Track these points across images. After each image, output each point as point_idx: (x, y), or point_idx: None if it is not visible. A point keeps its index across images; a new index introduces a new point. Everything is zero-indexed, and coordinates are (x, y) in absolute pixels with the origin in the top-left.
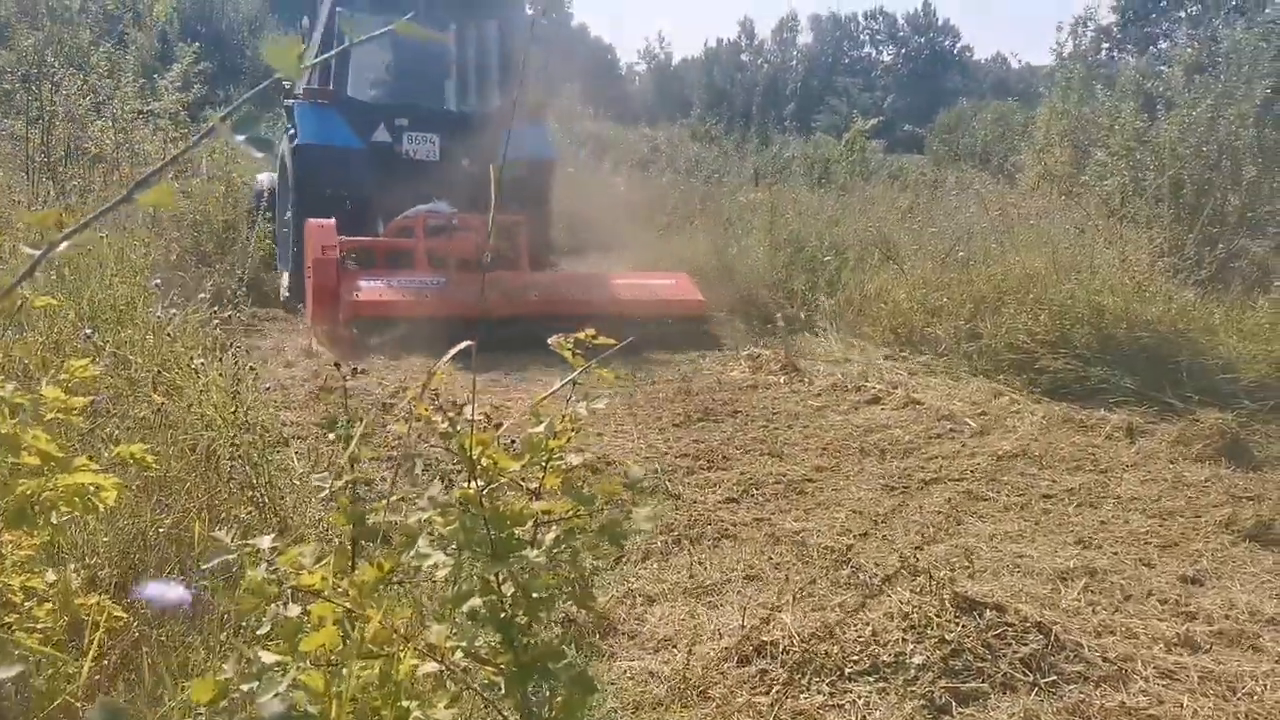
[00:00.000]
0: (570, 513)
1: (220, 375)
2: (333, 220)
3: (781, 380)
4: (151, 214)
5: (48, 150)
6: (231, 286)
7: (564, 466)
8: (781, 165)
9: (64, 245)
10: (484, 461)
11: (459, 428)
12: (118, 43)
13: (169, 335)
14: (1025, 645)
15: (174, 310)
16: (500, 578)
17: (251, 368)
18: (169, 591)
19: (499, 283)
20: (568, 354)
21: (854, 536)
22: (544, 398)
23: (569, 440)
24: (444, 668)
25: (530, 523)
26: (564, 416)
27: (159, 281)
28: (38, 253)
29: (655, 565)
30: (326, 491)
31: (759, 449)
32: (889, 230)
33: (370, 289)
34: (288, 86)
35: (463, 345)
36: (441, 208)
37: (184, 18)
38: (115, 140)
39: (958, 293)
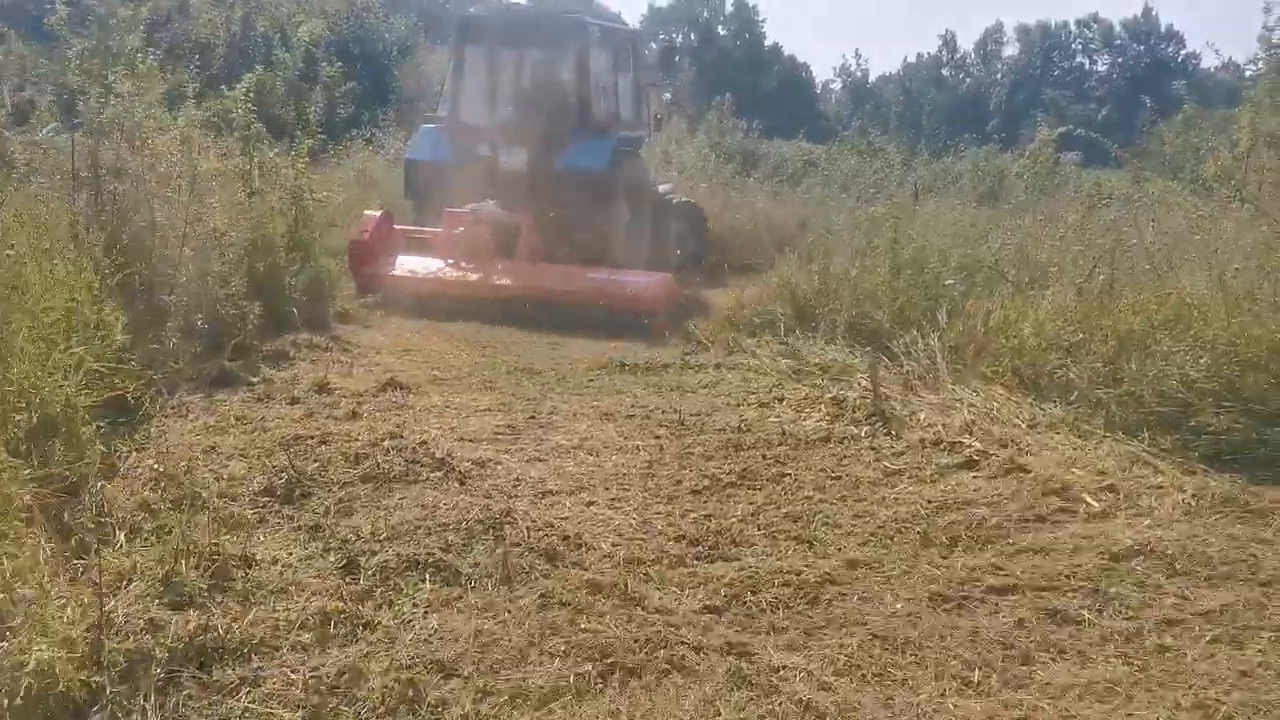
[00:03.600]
0: None
1: None
2: (379, 213)
3: (862, 432)
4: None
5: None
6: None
7: None
8: (951, 179)
9: None
10: None
11: None
12: (267, 65)
13: None
14: None
15: None
16: None
17: None
18: None
19: (487, 270)
20: None
21: (855, 681)
22: None
23: None
24: None
25: None
26: None
27: None
28: None
29: (560, 712)
30: None
31: (788, 531)
32: (1034, 250)
33: (402, 265)
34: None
35: None
36: (487, 206)
37: (341, 38)
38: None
39: (1097, 327)
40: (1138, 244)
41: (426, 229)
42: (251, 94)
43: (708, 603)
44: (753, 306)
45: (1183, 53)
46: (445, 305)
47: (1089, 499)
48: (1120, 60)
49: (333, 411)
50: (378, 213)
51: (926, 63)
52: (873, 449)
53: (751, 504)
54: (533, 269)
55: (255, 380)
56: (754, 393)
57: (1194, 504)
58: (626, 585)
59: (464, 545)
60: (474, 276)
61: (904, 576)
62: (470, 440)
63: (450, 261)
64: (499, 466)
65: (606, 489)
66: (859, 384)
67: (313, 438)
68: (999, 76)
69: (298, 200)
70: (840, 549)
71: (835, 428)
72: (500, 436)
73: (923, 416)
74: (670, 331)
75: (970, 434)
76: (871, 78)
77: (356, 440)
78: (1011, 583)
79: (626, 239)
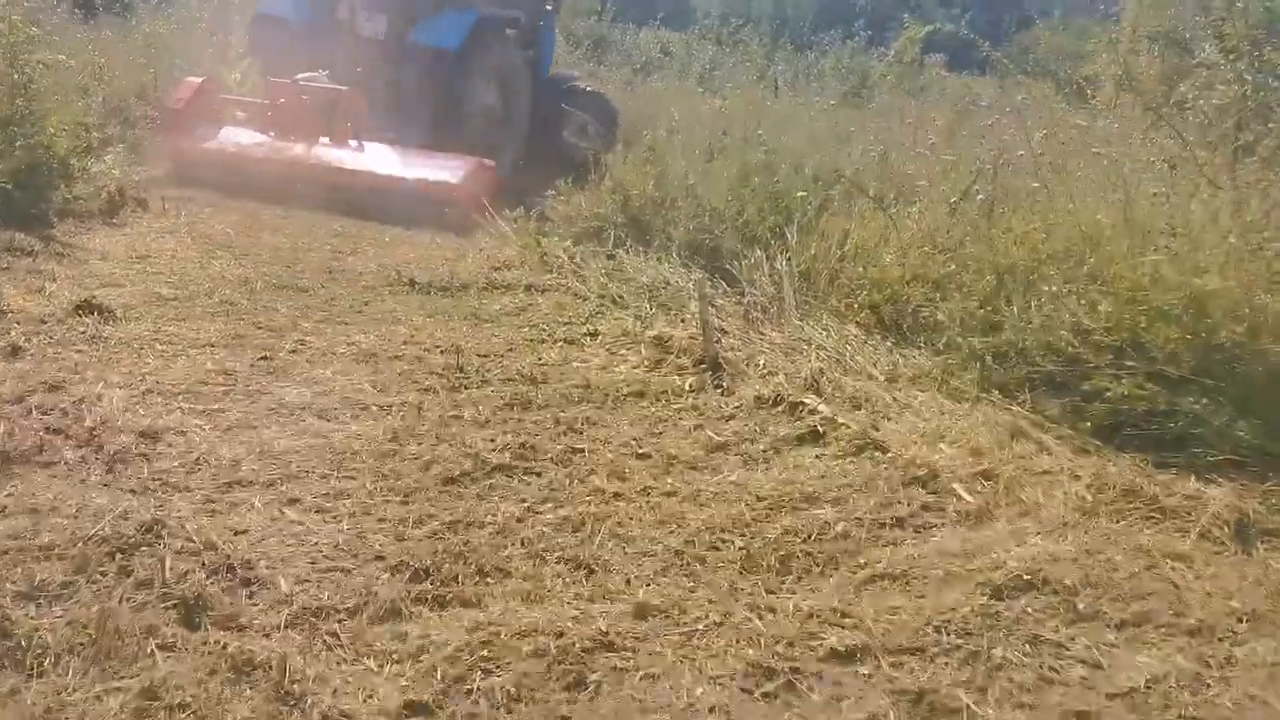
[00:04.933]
0: None
1: None
2: (201, 79)
3: (687, 384)
4: None
5: None
6: None
7: None
8: (813, 76)
9: None
10: None
11: None
12: None
13: None
14: None
15: None
16: None
17: None
18: None
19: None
20: None
21: None
22: None
23: None
24: None
25: None
26: None
27: None
28: None
29: None
30: None
31: (562, 551)
32: (899, 160)
33: (223, 139)
34: None
35: None
36: (319, 77)
37: None
38: None
39: (973, 257)
40: (1024, 155)
41: (249, 98)
42: None
43: (412, 695)
44: (582, 212)
45: None
46: (252, 186)
47: (960, 491)
48: None
49: None
50: (199, 79)
51: None
52: (695, 409)
53: (521, 502)
54: (332, 149)
55: None
56: (565, 324)
57: (1090, 499)
58: (288, 666)
59: (61, 588)
60: (277, 153)
61: (712, 634)
62: (161, 395)
63: (270, 136)
64: (179, 440)
65: (324, 477)
66: (690, 315)
67: None
68: None
69: (14, 63)
70: (629, 582)
71: (653, 378)
72: (204, 389)
73: (762, 362)
74: (476, 228)
75: (817, 389)
76: None
77: None
78: (861, 642)
79: (490, 125)
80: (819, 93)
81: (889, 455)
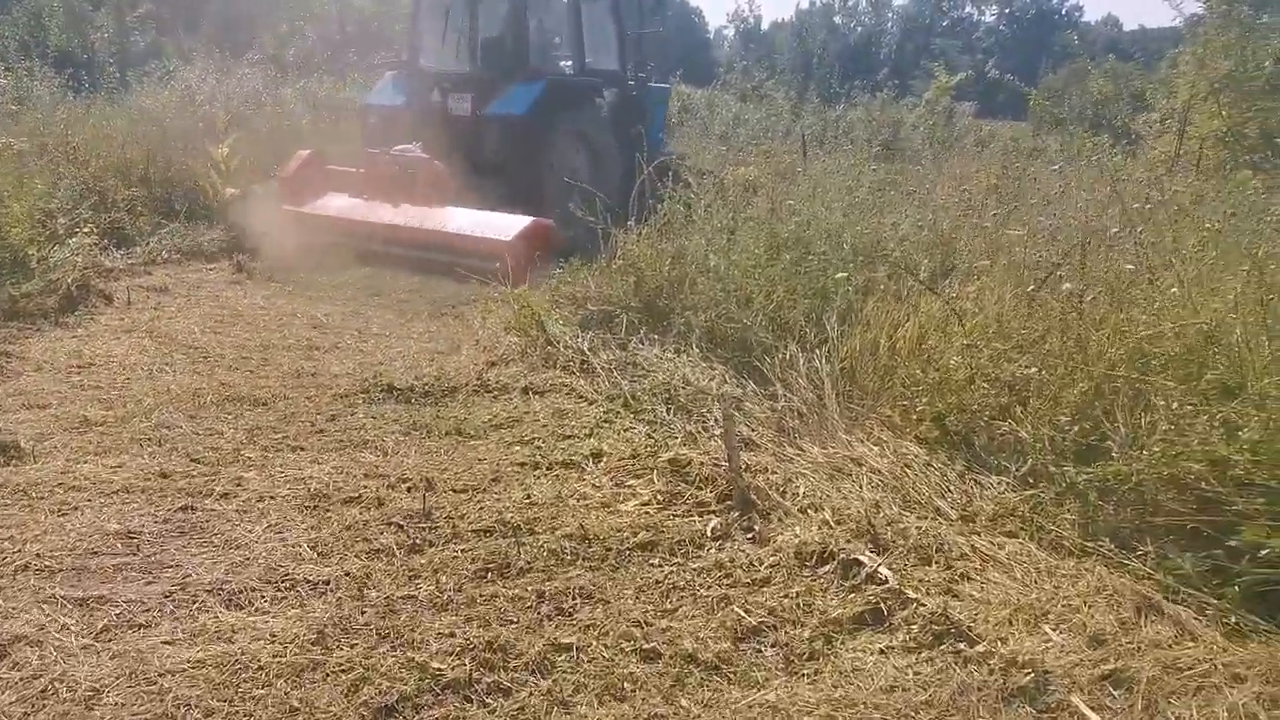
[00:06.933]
0: None
1: None
2: (309, 151)
3: (710, 529)
4: None
5: None
6: None
7: None
8: (842, 130)
9: None
10: None
11: None
12: None
13: None
14: None
15: None
16: None
17: None
18: None
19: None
20: None
21: None
22: None
23: None
24: None
25: None
26: None
27: None
28: None
29: None
30: None
31: None
32: (951, 229)
33: (320, 204)
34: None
35: None
36: (411, 149)
37: None
38: None
39: (1059, 360)
40: (1119, 221)
41: (344, 167)
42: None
43: None
44: (590, 294)
45: (1067, 4)
46: (347, 244)
47: (1083, 708)
48: (1008, 10)
49: None
50: (306, 151)
51: (819, 10)
52: (720, 568)
53: None
54: (399, 210)
55: None
56: (564, 439)
57: (1264, 717)
58: None
59: None
60: (361, 216)
61: None
62: (36, 575)
63: (362, 200)
64: (30, 656)
65: (207, 717)
66: (712, 422)
67: None
68: (889, 25)
69: None
70: None
71: (667, 519)
72: (93, 563)
73: (801, 491)
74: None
75: (874, 535)
76: (765, 25)
77: None
78: None
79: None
80: (849, 147)
81: (978, 649)
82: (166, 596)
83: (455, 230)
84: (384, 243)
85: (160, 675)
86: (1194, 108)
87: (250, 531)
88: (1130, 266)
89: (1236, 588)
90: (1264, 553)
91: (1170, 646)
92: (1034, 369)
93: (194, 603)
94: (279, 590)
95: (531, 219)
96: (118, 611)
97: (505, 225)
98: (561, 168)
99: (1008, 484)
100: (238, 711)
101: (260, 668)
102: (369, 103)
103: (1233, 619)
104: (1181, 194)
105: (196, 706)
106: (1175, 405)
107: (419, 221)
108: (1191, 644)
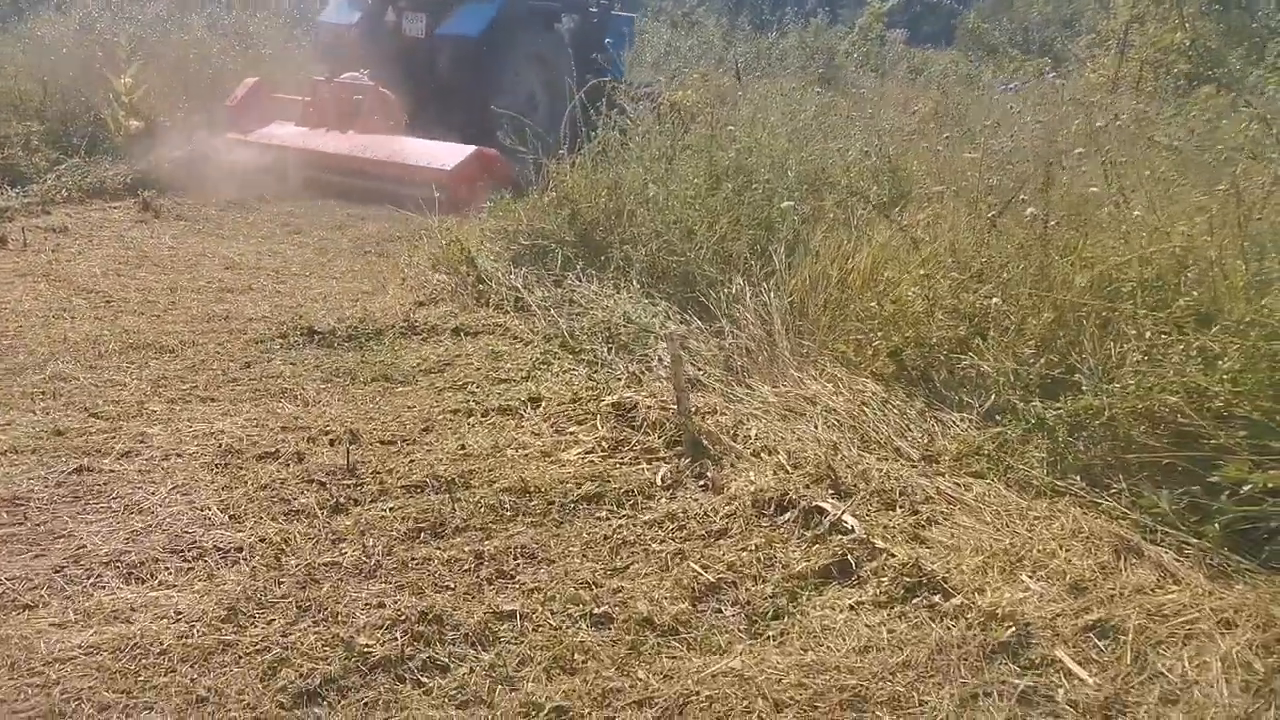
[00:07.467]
0: None
1: None
2: (255, 79)
3: (660, 477)
4: None
5: None
6: None
7: None
8: (775, 57)
9: None
10: None
11: None
12: None
13: None
14: None
15: None
16: None
17: None
18: None
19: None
20: None
21: None
22: None
23: None
24: None
25: None
26: None
27: None
28: None
29: None
30: None
31: None
32: (897, 154)
33: (265, 133)
34: None
35: None
36: (358, 76)
37: None
38: None
39: (1021, 288)
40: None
41: (292, 95)
42: None
43: None
44: (523, 227)
45: None
46: (286, 174)
47: (1070, 663)
48: None
49: None
50: (253, 80)
51: None
52: (673, 519)
53: None
54: (340, 138)
55: None
56: (499, 383)
57: (1261, 667)
58: None
59: None
60: (299, 144)
61: None
62: None
63: (306, 129)
64: None
65: (101, 711)
66: (657, 362)
67: None
68: None
69: None
70: None
71: (613, 468)
72: None
73: (754, 433)
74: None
75: (834, 480)
76: None
77: None
78: None
79: (530, 115)
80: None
81: (953, 602)
82: (57, 571)
83: (398, 159)
84: (327, 171)
85: (47, 664)
86: (1134, 30)
87: (153, 494)
88: (1095, 189)
89: (1217, 526)
90: (1246, 489)
91: (1153, 592)
92: (995, 299)
93: (88, 578)
94: (185, 560)
95: (475, 148)
96: None
97: (447, 154)
98: (516, 94)
99: (971, 421)
100: (136, 704)
101: (162, 652)
102: (321, 20)
103: (1215, 559)
104: (1145, 113)
105: (88, 700)
106: (1148, 334)
107: (362, 150)
108: (1175, 588)
